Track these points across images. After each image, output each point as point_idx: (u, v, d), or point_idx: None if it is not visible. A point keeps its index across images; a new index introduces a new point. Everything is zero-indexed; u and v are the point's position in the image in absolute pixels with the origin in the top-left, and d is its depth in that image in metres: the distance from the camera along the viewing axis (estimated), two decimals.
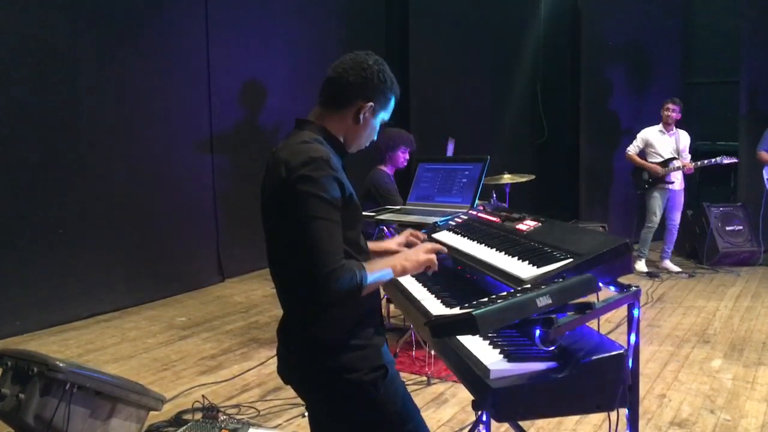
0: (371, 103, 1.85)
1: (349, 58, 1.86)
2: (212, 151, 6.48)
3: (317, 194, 1.67)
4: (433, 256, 1.89)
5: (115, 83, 5.49)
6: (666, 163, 6.61)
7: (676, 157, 6.60)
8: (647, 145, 6.72)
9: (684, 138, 6.67)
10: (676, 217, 6.76)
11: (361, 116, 1.85)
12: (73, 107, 5.21)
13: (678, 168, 6.56)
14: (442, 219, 2.89)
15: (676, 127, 6.66)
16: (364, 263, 1.73)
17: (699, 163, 6.50)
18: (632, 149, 6.82)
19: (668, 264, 6.91)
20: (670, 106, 6.57)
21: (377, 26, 8.51)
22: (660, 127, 6.69)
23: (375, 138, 1.96)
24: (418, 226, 3.78)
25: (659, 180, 6.62)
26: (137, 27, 5.65)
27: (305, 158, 1.70)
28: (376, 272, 1.75)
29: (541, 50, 9.66)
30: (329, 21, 7.66)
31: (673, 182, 6.62)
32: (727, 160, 6.45)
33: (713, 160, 6.48)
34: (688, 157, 6.67)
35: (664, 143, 6.65)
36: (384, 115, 1.92)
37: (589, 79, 8.43)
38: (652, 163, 6.68)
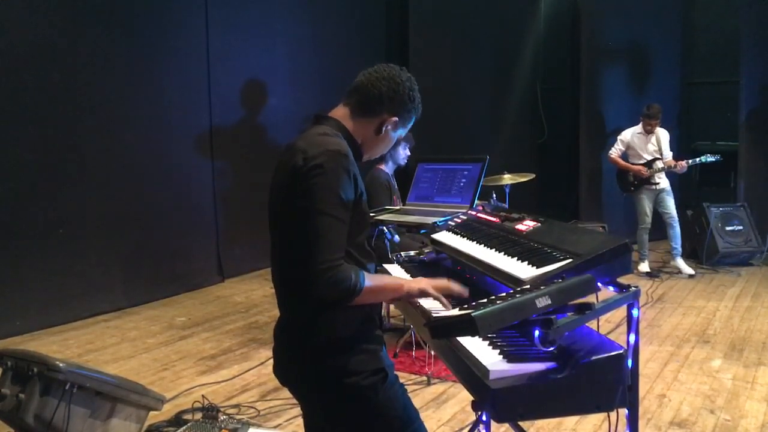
0: (396, 118, 1.87)
1: (384, 69, 1.86)
2: (212, 151, 6.48)
3: (329, 188, 1.65)
4: (434, 292, 1.82)
5: (115, 82, 5.49)
6: (649, 164, 6.62)
7: (659, 157, 6.60)
8: (628, 147, 6.74)
9: (663, 136, 6.64)
10: (673, 212, 6.67)
11: (384, 129, 1.87)
12: (73, 107, 5.21)
13: (662, 169, 6.56)
14: (442, 219, 2.89)
15: None
16: (368, 274, 1.72)
17: (689, 161, 6.50)
18: (614, 152, 6.84)
19: (680, 262, 6.75)
20: (652, 122, 6.53)
21: (377, 26, 8.52)
22: (639, 128, 6.69)
23: (386, 151, 1.99)
24: (417, 226, 3.79)
25: (644, 181, 6.63)
26: (137, 26, 5.65)
27: (323, 149, 1.68)
28: (377, 284, 1.74)
29: (541, 50, 9.66)
30: (329, 21, 7.67)
31: (658, 182, 6.63)
32: (710, 159, 6.45)
33: (698, 159, 6.48)
34: (670, 154, 6.64)
35: (645, 144, 6.66)
36: (402, 132, 1.93)
37: (589, 79, 8.42)
38: (635, 164, 6.69)
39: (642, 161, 6.67)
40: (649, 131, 6.62)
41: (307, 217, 1.65)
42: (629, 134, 6.75)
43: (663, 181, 6.66)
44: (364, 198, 1.76)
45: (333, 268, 1.61)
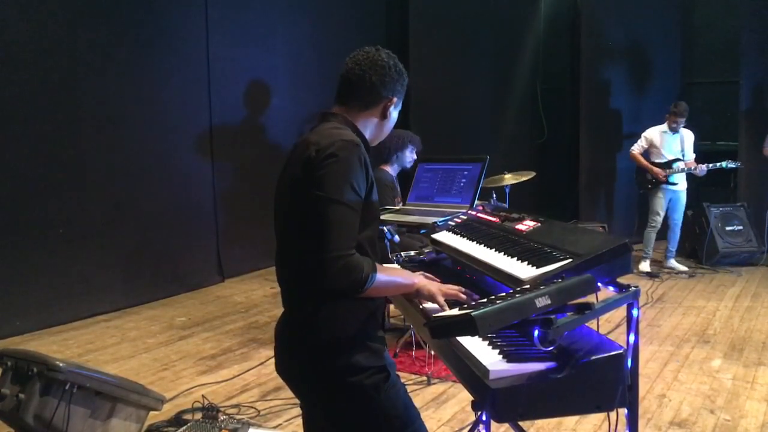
0: (395, 98, 1.91)
1: (363, 58, 1.87)
2: (212, 151, 6.48)
3: (343, 177, 1.65)
4: (441, 299, 1.85)
5: (115, 83, 5.49)
6: (669, 164, 6.62)
7: (680, 158, 6.61)
8: (651, 144, 6.74)
9: (688, 137, 6.67)
10: (679, 217, 6.75)
11: (388, 112, 1.91)
12: (73, 107, 5.21)
13: (682, 170, 6.57)
14: (442, 219, 2.89)
15: None
16: (380, 266, 1.72)
17: (709, 165, 6.50)
18: (637, 148, 6.82)
19: (673, 263, 6.90)
20: (679, 119, 6.52)
21: (377, 26, 8.51)
22: (664, 127, 6.69)
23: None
24: (417, 226, 3.79)
25: (662, 181, 6.64)
26: (137, 27, 5.65)
27: (336, 140, 1.70)
28: (388, 277, 1.74)
29: (541, 50, 9.66)
30: (329, 21, 7.66)
31: (676, 183, 6.64)
32: (731, 165, 6.51)
33: (718, 164, 6.50)
34: (693, 156, 6.67)
35: (669, 143, 6.66)
36: (400, 105, 1.97)
37: (589, 79, 8.42)
38: (656, 162, 6.68)
39: (663, 160, 6.67)
40: (674, 129, 6.61)
41: (319, 205, 1.65)
42: (655, 132, 6.72)
43: (681, 183, 6.68)
44: (374, 190, 1.77)
45: (344, 257, 1.61)
